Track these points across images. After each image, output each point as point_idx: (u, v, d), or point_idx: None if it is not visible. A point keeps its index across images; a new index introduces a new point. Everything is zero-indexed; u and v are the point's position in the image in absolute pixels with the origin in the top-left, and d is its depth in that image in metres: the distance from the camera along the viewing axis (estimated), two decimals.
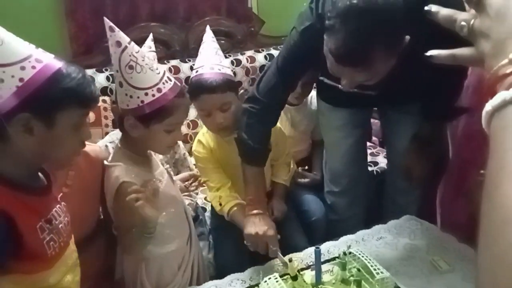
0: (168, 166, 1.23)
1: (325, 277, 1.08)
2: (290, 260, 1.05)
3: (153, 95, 0.98)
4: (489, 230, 0.35)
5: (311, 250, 1.25)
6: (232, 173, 1.43)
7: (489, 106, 0.40)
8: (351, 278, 1.01)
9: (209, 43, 1.36)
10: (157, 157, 1.20)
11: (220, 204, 1.39)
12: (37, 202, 0.81)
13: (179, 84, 1.05)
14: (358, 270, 0.99)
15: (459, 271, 1.14)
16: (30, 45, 0.78)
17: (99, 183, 1.11)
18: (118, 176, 1.01)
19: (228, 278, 1.19)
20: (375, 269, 1.01)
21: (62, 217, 0.86)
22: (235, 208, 1.36)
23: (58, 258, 0.82)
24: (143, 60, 0.95)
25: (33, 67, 0.74)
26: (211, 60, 1.33)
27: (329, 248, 1.28)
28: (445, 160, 1.61)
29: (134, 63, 0.95)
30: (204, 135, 1.46)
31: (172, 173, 1.24)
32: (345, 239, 1.32)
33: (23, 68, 0.73)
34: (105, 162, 1.05)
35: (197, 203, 1.60)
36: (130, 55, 0.95)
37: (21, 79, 0.73)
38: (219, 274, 1.23)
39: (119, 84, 0.99)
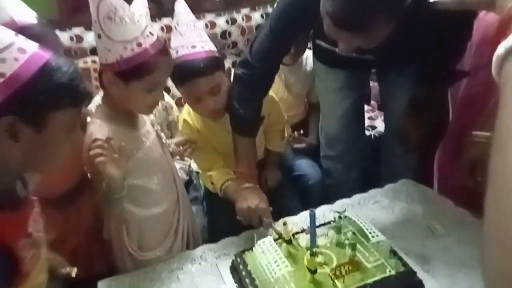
0: (159, 127, 1.19)
1: (320, 241, 1.06)
2: (285, 224, 1.04)
3: (132, 50, 0.92)
4: (499, 183, 0.33)
5: (306, 214, 1.24)
6: (223, 151, 1.38)
7: (501, 48, 0.36)
8: (346, 241, 0.99)
9: (184, 16, 1.19)
10: (148, 118, 1.16)
11: (212, 183, 1.35)
12: (18, 216, 0.70)
13: (161, 40, 0.99)
14: (353, 233, 0.97)
15: (455, 235, 1.12)
16: (8, 31, 0.65)
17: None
18: (92, 132, 0.97)
19: (222, 242, 1.18)
20: (370, 233, 0.99)
21: (39, 223, 0.75)
22: (227, 183, 1.31)
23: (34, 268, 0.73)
24: (123, 11, 0.89)
25: (16, 59, 0.62)
26: (190, 38, 1.18)
27: (324, 212, 1.26)
28: (444, 124, 1.57)
29: (113, 14, 0.88)
30: (190, 114, 1.37)
31: (162, 135, 1.20)
32: (341, 203, 1.30)
33: (3, 60, 0.61)
34: (88, 120, 1.01)
35: (190, 166, 1.56)
36: (109, 5, 0.89)
37: (1, 75, 0.61)
38: (213, 238, 1.22)
39: (97, 36, 0.93)
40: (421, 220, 1.19)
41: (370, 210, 1.26)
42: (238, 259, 1.04)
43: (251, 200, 1.16)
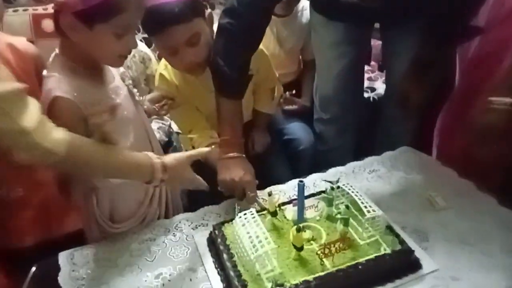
0: (130, 82, 1.03)
1: (309, 213, 0.95)
2: (270, 194, 0.92)
3: None
4: None
5: (294, 182, 1.12)
6: (205, 111, 1.23)
7: None
8: (338, 215, 0.88)
9: None
10: (116, 71, 1.00)
11: (193, 147, 1.22)
12: None
13: None
14: (347, 207, 0.86)
15: (455, 208, 1.02)
16: None
17: (35, 83, 0.95)
18: (51, 89, 0.82)
19: (200, 211, 1.07)
20: (365, 207, 0.88)
21: None
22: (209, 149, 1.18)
23: None
24: None
25: None
26: None
27: (315, 180, 1.14)
28: (449, 87, 1.44)
29: None
30: (166, 68, 1.20)
31: (135, 91, 1.05)
32: (334, 171, 1.19)
33: None
34: (44, 73, 0.86)
35: (170, 127, 1.42)
36: None
37: None
38: (194, 206, 1.11)
39: None
40: (421, 191, 1.08)
41: (366, 179, 1.15)
42: (216, 232, 0.93)
43: (235, 171, 1.03)
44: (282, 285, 0.78)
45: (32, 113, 0.71)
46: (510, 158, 1.19)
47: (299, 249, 0.84)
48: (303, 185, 0.86)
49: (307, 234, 0.83)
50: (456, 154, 1.35)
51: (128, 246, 0.96)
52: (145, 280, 0.87)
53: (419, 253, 0.88)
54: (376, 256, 0.84)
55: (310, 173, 1.18)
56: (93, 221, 1.01)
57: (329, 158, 1.39)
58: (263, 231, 0.82)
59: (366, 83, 1.72)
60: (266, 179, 1.13)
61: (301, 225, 0.85)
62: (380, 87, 1.76)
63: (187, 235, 0.99)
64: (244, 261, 0.83)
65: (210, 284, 0.86)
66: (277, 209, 0.94)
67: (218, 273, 0.88)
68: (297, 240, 0.83)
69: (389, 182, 1.14)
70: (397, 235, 0.89)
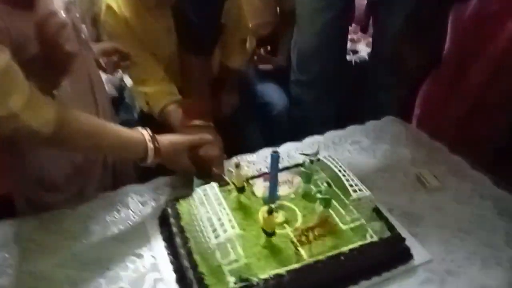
0: (78, 15, 0.81)
1: (282, 190, 0.80)
2: (238, 166, 0.75)
3: None
4: None
5: (266, 152, 0.96)
6: (163, 58, 1.03)
7: None
8: (318, 195, 0.73)
9: None
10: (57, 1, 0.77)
11: (148, 103, 1.02)
12: None
13: None
14: (328, 185, 0.71)
15: (450, 190, 0.89)
16: None
17: None
18: None
19: (152, 183, 0.89)
20: (351, 185, 0.73)
21: None
22: (168, 108, 1.00)
23: None
24: None
25: None
26: None
27: (290, 151, 0.99)
28: (439, 51, 1.30)
29: None
30: None
31: (83, 27, 0.83)
32: (311, 141, 1.03)
33: None
34: None
35: (122, 80, 1.20)
36: None
37: None
38: (146, 175, 0.93)
39: None
40: (409, 168, 0.95)
41: (347, 151, 1.00)
42: (170, 209, 0.76)
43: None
44: (247, 279, 0.63)
45: (19, 91, 0.60)
46: (505, 133, 1.08)
47: (270, 234, 0.68)
48: (277, 156, 0.70)
49: (280, 217, 0.68)
50: (444, 126, 1.22)
51: (60, 225, 0.78)
52: (77, 268, 0.70)
53: (409, 240, 0.75)
54: (361, 245, 0.70)
55: (285, 141, 1.02)
56: (19, 186, 0.82)
57: (305, 126, 1.24)
58: (227, 211, 0.66)
59: (348, 45, 1.56)
60: (233, 147, 0.96)
61: (273, 205, 0.69)
62: (363, 49, 1.61)
63: (134, 212, 0.81)
64: (201, 248, 0.67)
65: (160, 274, 0.70)
66: (245, 184, 0.78)
67: (171, 261, 0.71)
68: (268, 224, 0.67)
69: (373, 155, 1.00)
70: (386, 220, 0.75)
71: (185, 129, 0.89)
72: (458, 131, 1.14)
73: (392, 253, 0.73)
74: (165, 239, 0.75)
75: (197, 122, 0.88)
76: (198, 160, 0.85)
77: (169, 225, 0.74)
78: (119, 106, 1.18)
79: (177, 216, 0.74)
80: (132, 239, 0.76)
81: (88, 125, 0.71)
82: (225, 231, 0.63)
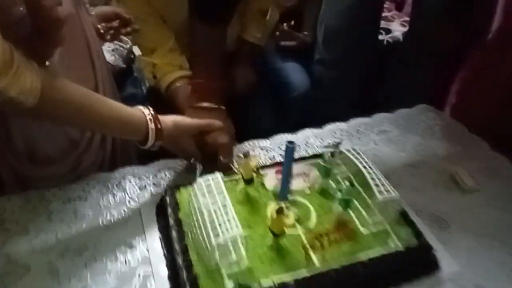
0: None
1: (296, 184, 0.70)
2: (246, 156, 0.65)
3: None
4: None
5: (282, 138, 0.87)
6: (173, 25, 0.93)
7: None
8: (337, 194, 0.63)
9: None
10: None
11: (155, 77, 0.93)
12: None
13: None
14: (351, 184, 0.61)
15: (487, 192, 0.78)
16: None
17: None
18: None
19: (153, 165, 0.81)
20: (377, 185, 0.63)
21: None
22: (177, 84, 0.90)
23: None
24: None
25: None
26: None
27: (309, 138, 0.89)
28: (484, 32, 1.16)
29: None
30: None
31: None
32: (332, 128, 0.93)
33: None
34: None
35: (131, 51, 1.11)
36: None
37: None
38: (148, 156, 0.84)
39: None
40: (443, 164, 0.84)
41: (372, 142, 0.90)
42: (168, 198, 0.68)
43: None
44: (247, 286, 0.54)
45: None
46: None
47: (278, 235, 0.59)
48: (293, 148, 0.60)
49: (290, 218, 0.58)
50: (484, 119, 1.09)
51: (47, 205, 0.70)
52: (61, 256, 0.63)
53: (437, 248, 0.65)
54: (383, 254, 0.60)
55: (303, 127, 0.92)
56: (6, 160, 0.75)
57: (328, 111, 1.12)
58: (231, 208, 0.57)
59: (381, 24, 1.42)
60: (245, 130, 0.87)
61: (283, 204, 0.60)
62: (397, 29, 1.46)
63: (131, 197, 0.73)
64: (199, 245, 0.59)
65: (151, 269, 0.62)
66: (255, 175, 0.68)
67: (164, 255, 0.63)
68: (276, 225, 0.58)
69: (402, 148, 0.89)
70: (413, 225, 0.65)
71: (193, 110, 0.80)
72: (501, 125, 1.01)
73: (417, 264, 0.63)
74: (160, 230, 0.67)
75: (205, 104, 0.79)
76: (205, 147, 0.76)
77: (166, 216, 0.66)
78: (126, 79, 1.10)
79: (176, 207, 0.66)
80: (125, 227, 0.68)
81: (79, 97, 0.63)
82: (226, 230, 0.55)
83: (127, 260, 0.63)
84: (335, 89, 1.21)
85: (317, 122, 0.94)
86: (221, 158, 0.74)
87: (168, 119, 0.72)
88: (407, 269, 0.62)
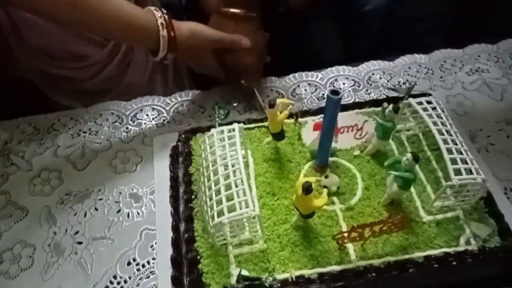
0: None
1: (343, 140, 0.54)
2: (272, 105, 0.48)
3: None
4: None
5: (336, 72, 0.68)
6: None
7: None
8: (399, 160, 0.46)
9: None
10: None
11: None
12: None
13: None
14: (414, 158, 0.43)
15: None
16: None
17: None
18: None
19: (178, 96, 0.67)
20: (454, 161, 0.44)
21: None
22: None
23: None
24: None
25: None
26: None
27: (374, 73, 0.69)
28: None
29: None
30: None
31: None
32: (407, 62, 0.71)
33: None
34: None
35: None
36: None
37: None
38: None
39: None
40: None
41: (460, 85, 0.68)
42: (182, 145, 0.56)
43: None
44: (255, 279, 0.42)
45: None
46: None
47: (307, 216, 0.45)
48: (338, 101, 0.42)
49: (322, 198, 0.43)
50: None
51: (54, 137, 0.62)
52: (59, 198, 0.55)
53: None
54: (447, 254, 0.44)
55: (371, 56, 0.72)
56: (31, 60, 0.69)
57: (406, 36, 0.87)
58: (250, 178, 0.44)
59: None
60: (298, 53, 0.69)
61: (316, 177, 0.44)
62: None
63: (145, 135, 0.62)
64: (206, 216, 0.47)
65: (154, 228, 0.52)
66: (294, 120, 0.53)
67: (171, 213, 0.53)
68: (303, 204, 0.43)
69: (500, 95, 0.66)
70: (498, 216, 0.47)
71: (218, 17, 0.63)
72: None
73: (494, 270, 0.46)
74: (171, 182, 0.56)
75: (233, 9, 0.61)
76: (225, 64, 0.61)
77: (177, 168, 0.54)
78: None
79: (187, 157, 0.54)
80: (134, 174, 0.58)
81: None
82: (242, 205, 0.42)
83: (130, 214, 0.54)
84: (423, 4, 0.92)
85: (389, 50, 0.73)
86: (242, 82, 0.59)
87: (185, 27, 0.58)
88: (479, 276, 0.46)
